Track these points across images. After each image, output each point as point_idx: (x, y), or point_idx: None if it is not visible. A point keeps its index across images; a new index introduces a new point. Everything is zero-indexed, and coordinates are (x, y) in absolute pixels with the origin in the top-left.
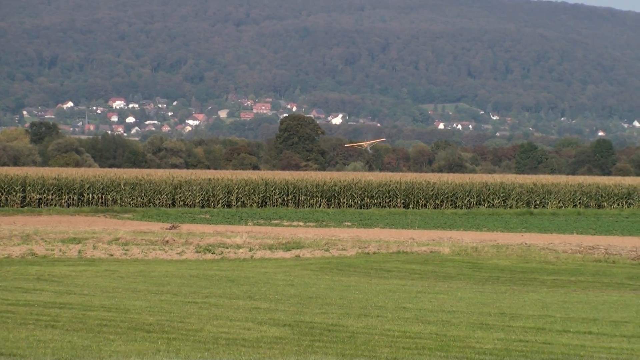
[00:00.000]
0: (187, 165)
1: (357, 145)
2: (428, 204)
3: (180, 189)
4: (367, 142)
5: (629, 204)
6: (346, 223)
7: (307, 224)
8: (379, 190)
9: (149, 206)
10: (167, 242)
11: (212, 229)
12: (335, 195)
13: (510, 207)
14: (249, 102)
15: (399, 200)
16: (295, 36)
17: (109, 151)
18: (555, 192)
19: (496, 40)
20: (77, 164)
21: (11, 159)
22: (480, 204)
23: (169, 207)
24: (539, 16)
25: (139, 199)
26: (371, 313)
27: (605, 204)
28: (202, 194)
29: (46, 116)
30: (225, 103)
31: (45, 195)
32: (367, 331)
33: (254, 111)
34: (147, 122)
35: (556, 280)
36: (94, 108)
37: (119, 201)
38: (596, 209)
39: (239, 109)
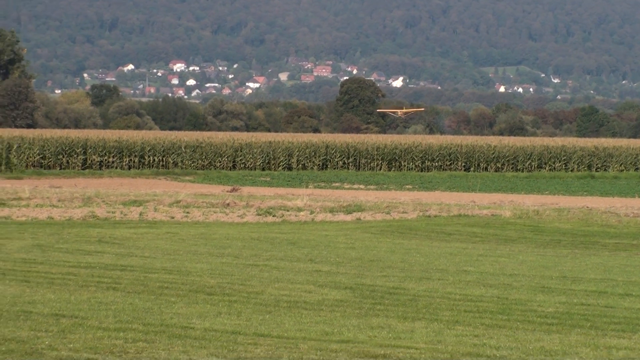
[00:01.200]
0: (248, 128)
1: (391, 112)
2: (489, 167)
3: (241, 151)
4: (402, 111)
5: None
6: (407, 186)
7: (368, 186)
8: (439, 153)
9: (210, 169)
10: (228, 204)
11: (272, 191)
12: (396, 158)
13: (571, 171)
14: (309, 65)
15: (459, 163)
16: None
17: (170, 114)
18: (617, 155)
19: (557, 2)
20: (138, 127)
21: (72, 122)
22: (541, 167)
23: (230, 169)
24: None
25: (200, 161)
26: (432, 276)
27: None
28: (262, 156)
29: (107, 79)
30: (285, 66)
31: (106, 157)
32: (428, 294)
33: (315, 74)
34: (207, 85)
35: (618, 244)
36: (155, 71)
37: (179, 164)
38: None
39: (299, 72)
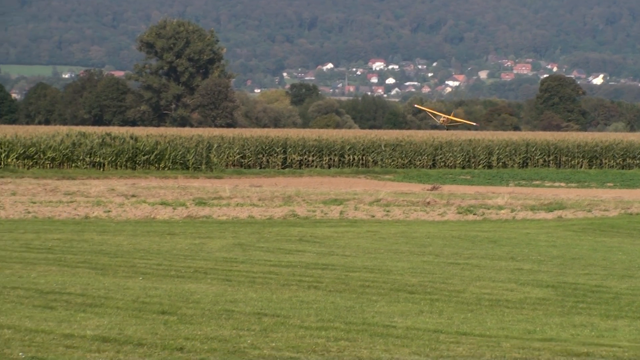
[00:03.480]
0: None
1: (431, 112)
2: None
3: (441, 150)
4: (447, 117)
5: None
6: (608, 184)
7: (569, 184)
8: None
9: (410, 167)
10: (429, 203)
11: (473, 189)
12: (597, 155)
13: None
14: (509, 63)
15: None
16: None
17: (369, 112)
18: None
19: None
20: (337, 125)
21: (272, 121)
22: None
23: (430, 168)
24: None
25: (400, 160)
26: (635, 274)
27: None
28: (462, 154)
29: (306, 78)
30: (485, 64)
31: (305, 156)
32: (631, 292)
33: (514, 72)
34: (407, 83)
35: None
36: (354, 69)
37: (379, 162)
38: None
39: (499, 70)
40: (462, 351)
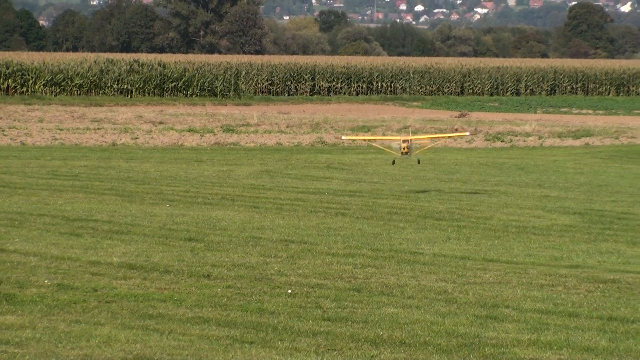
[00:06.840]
0: (476, 54)
1: (371, 139)
2: None
3: (469, 77)
4: (410, 138)
5: None
6: (635, 111)
7: (596, 111)
8: None
9: (438, 94)
10: (457, 130)
11: (500, 117)
12: (624, 83)
13: None
14: None
15: None
16: None
17: (398, 39)
18: None
19: None
20: (366, 53)
21: (300, 48)
22: None
23: (458, 95)
24: None
25: (428, 87)
26: None
27: None
28: (491, 82)
29: (335, 5)
30: None
31: (334, 83)
32: None
33: None
34: (435, 11)
35: None
36: None
37: (407, 89)
38: None
39: None
40: (489, 278)
